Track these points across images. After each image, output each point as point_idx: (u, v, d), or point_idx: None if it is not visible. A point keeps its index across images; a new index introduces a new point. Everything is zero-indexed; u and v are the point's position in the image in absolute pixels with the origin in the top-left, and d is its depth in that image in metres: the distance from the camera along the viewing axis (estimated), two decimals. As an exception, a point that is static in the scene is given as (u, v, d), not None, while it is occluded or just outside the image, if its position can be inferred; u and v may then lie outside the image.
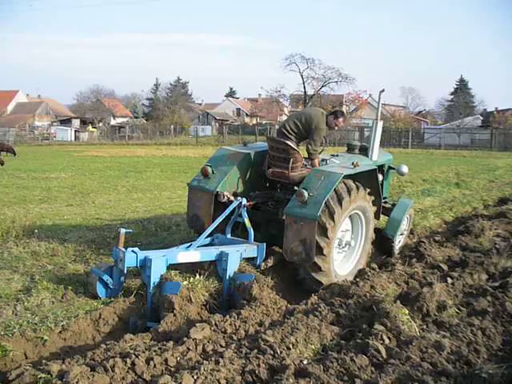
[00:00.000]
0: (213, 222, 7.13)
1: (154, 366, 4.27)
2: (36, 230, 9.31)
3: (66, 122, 78.77)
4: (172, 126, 69.44)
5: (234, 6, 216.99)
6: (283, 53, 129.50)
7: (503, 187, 17.36)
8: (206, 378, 3.97)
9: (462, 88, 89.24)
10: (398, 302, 5.67)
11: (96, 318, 5.76)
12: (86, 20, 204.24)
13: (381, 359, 4.41)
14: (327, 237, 6.60)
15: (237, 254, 6.64)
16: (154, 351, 4.49)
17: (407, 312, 5.46)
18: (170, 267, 6.40)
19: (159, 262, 6.14)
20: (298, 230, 6.65)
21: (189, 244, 6.84)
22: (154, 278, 6.09)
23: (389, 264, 7.61)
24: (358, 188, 7.07)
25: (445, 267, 7.26)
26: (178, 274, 6.45)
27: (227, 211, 7.16)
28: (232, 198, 7.37)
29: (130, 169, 23.59)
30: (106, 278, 6.31)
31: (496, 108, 75.93)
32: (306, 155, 7.71)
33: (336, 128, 8.11)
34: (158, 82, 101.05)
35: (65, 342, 5.38)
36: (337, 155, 8.46)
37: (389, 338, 4.81)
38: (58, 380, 3.92)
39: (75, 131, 68.80)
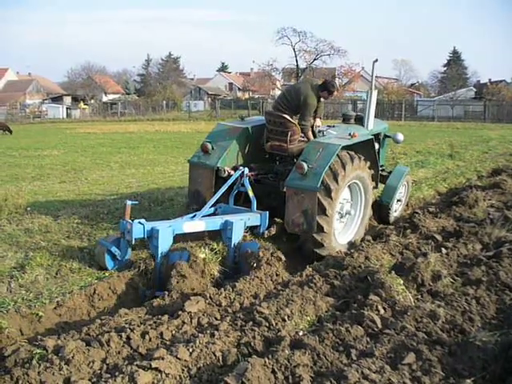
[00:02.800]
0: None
1: (150, 339, 4.28)
2: (29, 208, 9.28)
3: (57, 99, 77.92)
4: (164, 102, 68.81)
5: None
6: (275, 26, 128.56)
7: (497, 158, 17.35)
8: (201, 350, 3.98)
9: (454, 60, 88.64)
10: (393, 272, 5.69)
11: (91, 294, 5.77)
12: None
13: (376, 329, 4.43)
14: (328, 208, 6.71)
15: (241, 223, 6.73)
16: (149, 325, 4.50)
17: (402, 282, 5.48)
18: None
19: (166, 232, 6.22)
20: (298, 202, 6.77)
21: (193, 214, 6.95)
22: (162, 249, 6.16)
23: (383, 235, 7.63)
24: (355, 158, 7.12)
25: (439, 238, 7.27)
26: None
27: (230, 181, 7.27)
28: (232, 172, 7.45)
29: (123, 145, 23.38)
30: (114, 249, 6.37)
31: (489, 79, 75.68)
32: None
33: (330, 97, 8.11)
34: (150, 58, 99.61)
35: (60, 317, 5.39)
36: (333, 126, 8.48)
37: (384, 308, 4.84)
38: (54, 355, 3.91)
39: (67, 108, 67.95)
